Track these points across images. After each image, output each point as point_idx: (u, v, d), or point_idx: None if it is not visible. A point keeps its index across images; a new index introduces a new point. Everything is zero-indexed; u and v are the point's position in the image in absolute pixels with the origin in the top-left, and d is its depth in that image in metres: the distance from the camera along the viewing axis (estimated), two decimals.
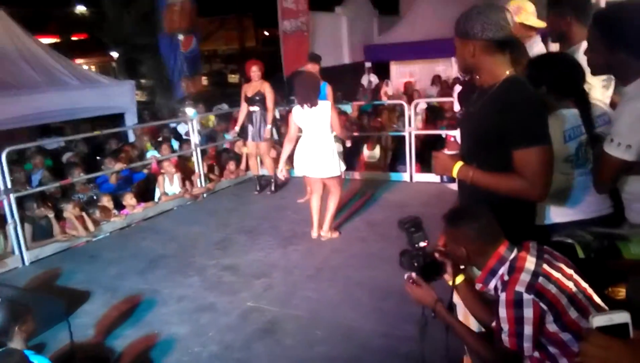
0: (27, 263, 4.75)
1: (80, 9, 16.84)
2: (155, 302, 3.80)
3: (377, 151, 7.38)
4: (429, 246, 1.89)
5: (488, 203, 1.86)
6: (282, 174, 4.86)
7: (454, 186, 2.50)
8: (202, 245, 4.92)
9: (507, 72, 1.83)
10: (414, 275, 1.93)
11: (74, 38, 18.62)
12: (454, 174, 1.92)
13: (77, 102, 7.19)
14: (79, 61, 15.58)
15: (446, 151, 2.11)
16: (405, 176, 6.62)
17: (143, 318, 3.57)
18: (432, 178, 6.45)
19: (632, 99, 1.75)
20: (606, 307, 1.62)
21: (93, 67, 19.05)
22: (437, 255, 1.89)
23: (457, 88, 5.80)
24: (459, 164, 1.90)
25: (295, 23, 10.86)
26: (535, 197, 1.80)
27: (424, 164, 6.90)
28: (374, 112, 9.01)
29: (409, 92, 10.77)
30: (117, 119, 8.34)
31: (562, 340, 1.59)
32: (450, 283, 1.93)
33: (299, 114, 4.57)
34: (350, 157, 4.85)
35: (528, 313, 1.56)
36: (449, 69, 13.06)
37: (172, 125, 8.30)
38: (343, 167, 4.72)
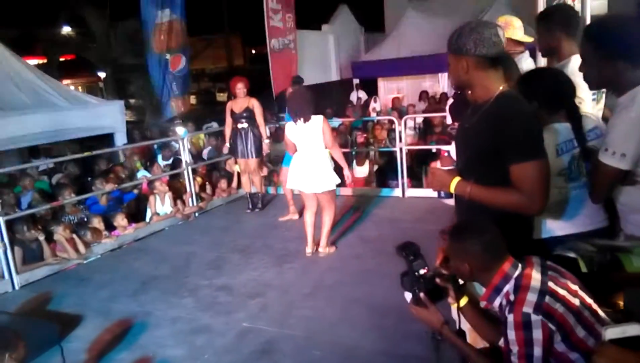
0: (17, 287, 4.66)
1: (67, 29, 16.83)
2: (149, 324, 3.74)
3: (366, 166, 7.42)
4: (429, 272, 1.87)
5: (486, 218, 1.88)
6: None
7: (450, 202, 2.51)
8: (195, 265, 4.87)
9: (501, 88, 1.85)
10: (422, 295, 1.91)
11: (61, 59, 18.58)
12: (452, 189, 1.93)
13: (67, 123, 7.15)
14: (66, 81, 15.55)
15: (442, 167, 2.12)
16: (397, 192, 6.64)
17: (137, 341, 3.50)
18: (425, 193, 6.50)
19: (625, 108, 1.78)
20: (610, 322, 1.62)
21: (80, 88, 18.98)
22: (438, 280, 1.87)
23: (450, 102, 5.86)
24: (457, 179, 1.91)
25: (282, 41, 10.96)
26: (533, 211, 1.81)
27: (415, 179, 6.95)
28: (364, 128, 9.09)
29: (398, 108, 10.87)
30: (106, 139, 8.29)
31: (570, 359, 1.58)
32: (455, 307, 1.91)
33: (293, 130, 4.59)
34: (339, 172, 4.90)
35: (537, 334, 1.54)
36: (436, 84, 13.25)
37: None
38: (337, 180, 4.72)
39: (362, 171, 7.36)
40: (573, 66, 2.30)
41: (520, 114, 1.77)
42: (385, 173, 7.50)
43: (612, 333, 0.88)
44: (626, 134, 1.77)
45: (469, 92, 2.00)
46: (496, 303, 1.69)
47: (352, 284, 4.14)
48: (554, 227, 2.10)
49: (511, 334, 1.57)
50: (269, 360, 3.14)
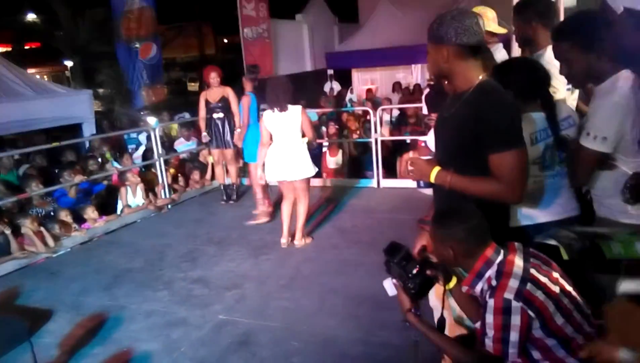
0: None
1: (33, 17, 16.24)
2: (123, 318, 3.67)
3: (339, 157, 7.42)
4: (419, 269, 1.87)
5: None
6: (261, 180, 4.91)
7: (428, 192, 2.53)
8: (170, 258, 4.80)
9: (480, 77, 1.86)
10: (394, 281, 1.93)
11: (26, 47, 17.95)
12: (432, 179, 1.93)
13: (33, 113, 6.94)
14: (31, 70, 15.03)
15: (420, 156, 2.12)
16: (373, 182, 6.67)
17: (111, 336, 3.43)
18: (400, 183, 6.56)
19: (607, 93, 1.83)
20: (588, 311, 1.65)
21: (46, 77, 18.40)
22: (428, 272, 1.87)
23: (426, 92, 5.90)
24: (437, 169, 1.91)
25: (256, 30, 10.85)
26: (511, 199, 1.84)
27: (390, 170, 6.99)
28: (338, 119, 9.07)
29: (372, 99, 10.89)
30: (73, 129, 8.06)
31: (547, 345, 1.61)
32: (440, 292, 1.93)
33: (270, 119, 4.54)
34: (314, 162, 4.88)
35: (515, 320, 1.56)
36: (409, 76, 13.34)
37: (133, 135, 8.09)
38: (315, 169, 4.72)
39: (334, 161, 7.36)
40: (549, 55, 2.33)
41: (500, 104, 1.78)
42: (359, 164, 7.52)
43: (626, 286, 0.88)
44: (608, 118, 1.84)
45: (447, 81, 2.00)
46: (478, 288, 1.71)
47: (328, 274, 4.14)
48: (529, 214, 2.13)
49: (489, 317, 1.60)
50: (247, 352, 3.12)
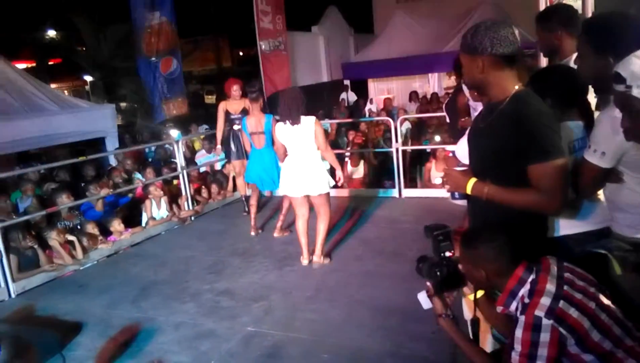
0: (13, 296, 4.57)
1: (53, 33, 16.64)
2: (153, 331, 3.69)
3: (361, 167, 7.42)
4: (454, 256, 1.88)
5: (501, 218, 1.89)
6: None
7: (461, 203, 2.52)
8: (195, 270, 4.83)
9: (517, 87, 1.85)
10: (428, 284, 1.94)
11: (50, 63, 18.38)
12: (468, 190, 1.92)
13: (58, 128, 7.08)
14: (52, 85, 15.35)
15: (454, 167, 2.11)
16: (394, 192, 6.65)
17: (142, 349, 3.46)
18: (421, 193, 6.55)
19: (610, 107, 1.81)
20: (630, 324, 1.62)
21: (66, 92, 18.77)
22: (460, 267, 1.87)
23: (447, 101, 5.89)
24: (473, 180, 1.91)
25: (273, 43, 10.95)
26: (552, 211, 1.83)
27: (409, 179, 6.98)
28: (355, 129, 9.08)
29: (389, 109, 10.89)
30: (96, 143, 8.20)
31: (584, 361, 1.58)
32: (471, 297, 1.92)
33: (282, 131, 4.43)
34: (332, 174, 4.79)
35: (545, 338, 1.55)
36: (426, 85, 13.34)
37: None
38: (332, 183, 4.54)
39: (356, 172, 7.37)
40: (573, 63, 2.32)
41: (539, 114, 1.77)
42: (379, 174, 7.52)
43: None
44: (606, 133, 1.80)
45: (480, 92, 2.00)
46: (513, 307, 1.70)
47: (353, 285, 4.13)
48: (566, 226, 2.11)
49: (519, 332, 1.59)
50: None
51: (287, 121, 4.36)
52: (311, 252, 4.60)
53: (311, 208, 4.65)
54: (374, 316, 3.56)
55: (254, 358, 3.22)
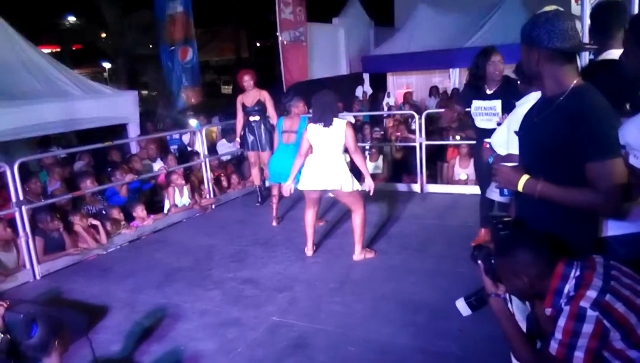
0: (38, 277, 4.62)
1: (80, 19, 16.76)
2: (178, 317, 3.71)
3: (380, 162, 7.37)
4: None
5: (551, 217, 1.85)
6: (289, 190, 4.62)
7: (503, 200, 2.47)
8: (218, 258, 4.84)
9: (575, 81, 1.80)
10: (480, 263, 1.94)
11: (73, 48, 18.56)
12: (520, 188, 1.88)
13: (81, 113, 7.07)
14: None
15: (508, 164, 2.06)
16: (416, 187, 6.60)
17: (167, 334, 3.47)
18: (443, 189, 6.49)
19: None
20: None
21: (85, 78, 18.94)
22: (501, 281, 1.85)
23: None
24: (526, 177, 1.86)
25: (294, 34, 10.89)
26: (608, 211, 1.78)
27: (429, 175, 6.92)
28: (374, 123, 9.01)
29: (411, 102, 10.80)
30: (117, 129, 8.21)
31: (629, 357, 1.56)
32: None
33: (314, 132, 4.40)
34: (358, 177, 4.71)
35: (587, 329, 1.53)
36: (446, 80, 13.19)
37: (175, 136, 8.21)
38: (357, 185, 4.43)
39: (375, 166, 7.32)
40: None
41: (599, 110, 1.72)
42: (400, 169, 7.46)
43: None
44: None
45: (538, 84, 1.94)
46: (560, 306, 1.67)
47: (378, 280, 4.10)
48: (616, 226, 2.05)
49: (562, 321, 1.58)
50: (304, 356, 3.11)
51: (320, 123, 4.36)
52: (314, 243, 4.75)
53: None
54: (401, 312, 3.54)
55: (281, 348, 3.21)
